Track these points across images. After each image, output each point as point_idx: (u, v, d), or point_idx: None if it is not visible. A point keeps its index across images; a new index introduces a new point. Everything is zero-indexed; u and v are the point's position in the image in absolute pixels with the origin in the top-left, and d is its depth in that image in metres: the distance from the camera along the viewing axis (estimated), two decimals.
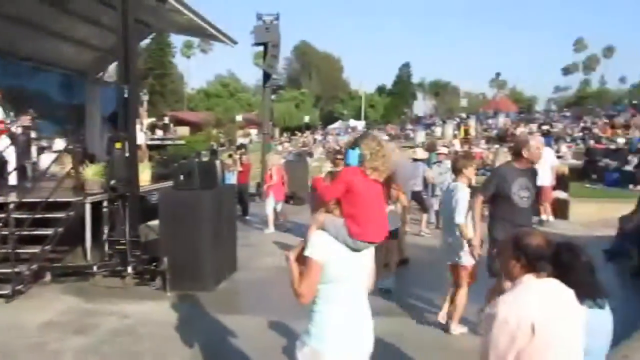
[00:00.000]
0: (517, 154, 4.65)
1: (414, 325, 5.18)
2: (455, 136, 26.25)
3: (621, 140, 18.30)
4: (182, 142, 19.34)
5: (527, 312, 2.09)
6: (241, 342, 4.73)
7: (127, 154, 6.63)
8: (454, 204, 4.74)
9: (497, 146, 22.74)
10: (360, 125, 52.05)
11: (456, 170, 5.01)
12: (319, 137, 41.95)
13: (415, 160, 9.93)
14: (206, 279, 6.15)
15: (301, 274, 2.44)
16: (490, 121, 33.57)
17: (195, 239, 6.06)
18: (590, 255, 2.62)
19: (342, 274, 2.45)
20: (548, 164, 10.44)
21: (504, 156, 11.68)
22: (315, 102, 74.08)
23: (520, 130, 26.49)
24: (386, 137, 34.65)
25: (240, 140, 39.17)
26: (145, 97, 33.82)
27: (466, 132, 26.25)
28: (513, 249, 2.27)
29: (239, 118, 54.06)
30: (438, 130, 33.03)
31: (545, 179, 10.44)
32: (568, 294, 2.25)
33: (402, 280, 6.64)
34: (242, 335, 4.86)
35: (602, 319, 2.61)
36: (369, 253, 2.61)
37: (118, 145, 6.56)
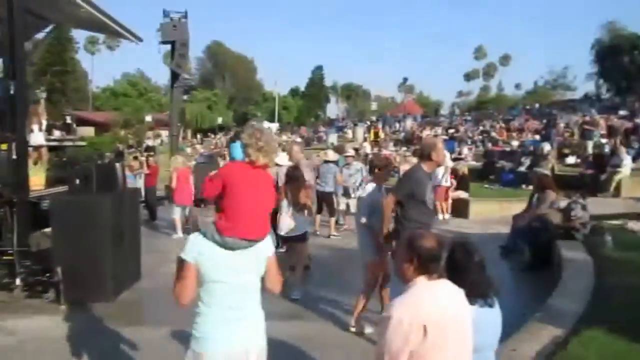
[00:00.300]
0: (426, 156, 4.68)
1: (323, 328, 5.18)
2: (365, 139, 26.93)
3: (515, 143, 19.67)
4: (83, 143, 18.17)
5: (420, 314, 2.14)
6: (143, 355, 4.48)
7: (14, 156, 6.08)
8: (364, 205, 4.84)
9: (404, 149, 23.68)
10: (274, 127, 51.94)
11: (372, 172, 5.15)
12: None
13: (326, 162, 10.05)
14: (105, 289, 5.76)
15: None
16: (398, 124, 34.87)
17: (93, 246, 5.67)
18: (483, 254, 2.73)
19: (218, 274, 2.40)
20: (445, 166, 11.32)
21: (408, 158, 12.22)
22: (228, 104, 72.99)
23: (426, 133, 27.79)
24: (299, 139, 34.91)
25: (150, 142, 37.72)
26: (43, 95, 31.56)
27: (376, 134, 27.03)
28: (406, 250, 2.29)
29: (148, 119, 51.89)
30: (350, 133, 33.82)
31: (442, 179, 11.18)
32: (459, 294, 2.34)
33: (312, 284, 6.63)
34: (144, 347, 4.59)
35: (492, 317, 2.73)
36: (260, 252, 2.53)
37: (3, 146, 6.00)
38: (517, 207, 9.10)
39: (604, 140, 17.37)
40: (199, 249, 2.41)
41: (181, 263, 2.42)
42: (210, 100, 68.04)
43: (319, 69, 77.53)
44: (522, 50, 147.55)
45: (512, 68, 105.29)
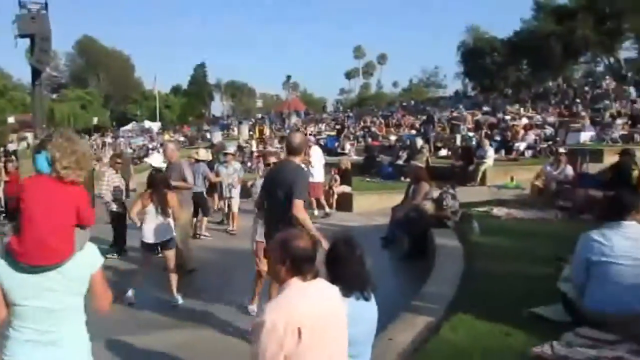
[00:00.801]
0: (300, 152, 4.52)
1: (207, 335, 4.96)
2: (251, 136, 26.75)
3: (393, 138, 20.67)
4: None
5: (294, 317, 2.09)
6: None
7: None
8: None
9: (312, 139, 23.90)
10: (155, 126, 49.73)
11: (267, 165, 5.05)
12: (109, 140, 38.77)
13: (197, 161, 9.64)
14: None
15: None
16: (284, 122, 35.09)
17: None
18: (363, 249, 2.78)
19: (17, 297, 2.15)
20: (321, 162, 11.69)
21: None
22: (105, 103, 68.55)
23: (311, 129, 28.29)
24: (182, 138, 33.76)
25: (13, 146, 34.29)
26: None
27: (261, 132, 26.97)
28: (279, 252, 2.23)
29: (11, 120, 47.06)
30: (235, 131, 33.38)
31: (319, 175, 11.52)
32: (334, 293, 2.33)
33: (191, 289, 6.35)
34: None
35: (367, 310, 2.78)
36: (73, 271, 2.22)
37: None
38: (397, 199, 9.46)
39: (470, 134, 18.89)
40: None
41: None
42: (83, 99, 63.47)
43: (201, 66, 75.57)
44: (398, 49, 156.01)
45: (389, 67, 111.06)
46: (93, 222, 2.38)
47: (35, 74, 12.92)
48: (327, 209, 11.79)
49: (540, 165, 11.75)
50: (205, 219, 9.63)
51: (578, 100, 23.89)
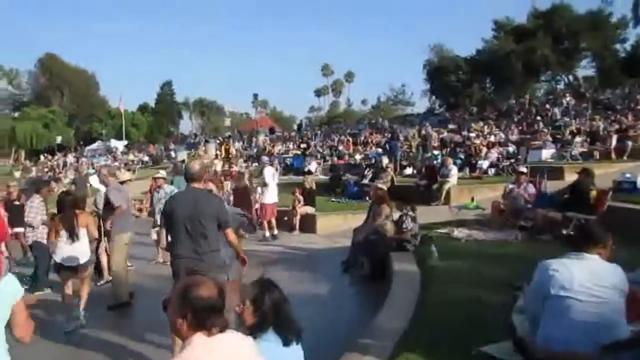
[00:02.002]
0: (200, 179, 4.35)
1: None
2: (217, 155, 26.34)
3: (358, 157, 20.62)
4: None
5: None
6: None
7: None
8: None
9: (255, 164, 23.57)
10: (120, 145, 48.71)
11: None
12: (71, 159, 37.68)
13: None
14: None
15: None
16: (252, 140, 34.77)
17: None
18: (282, 292, 2.56)
19: None
20: (274, 182, 11.91)
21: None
22: (69, 121, 66.89)
23: (278, 148, 28.05)
24: (146, 158, 33.08)
25: None
26: None
27: (227, 151, 26.57)
28: (179, 303, 1.94)
29: None
30: (202, 150, 32.90)
31: (272, 196, 11.38)
32: (244, 348, 2.07)
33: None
34: None
35: (295, 354, 2.58)
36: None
37: None
38: (361, 218, 9.26)
39: (436, 152, 18.98)
40: None
41: None
42: (46, 118, 61.83)
43: (167, 84, 74.63)
44: (366, 67, 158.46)
45: (356, 85, 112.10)
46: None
47: None
48: (275, 231, 11.67)
49: (502, 184, 11.77)
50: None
51: (539, 118, 24.36)
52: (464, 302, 4.61)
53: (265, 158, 14.39)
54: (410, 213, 7.77)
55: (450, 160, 14.96)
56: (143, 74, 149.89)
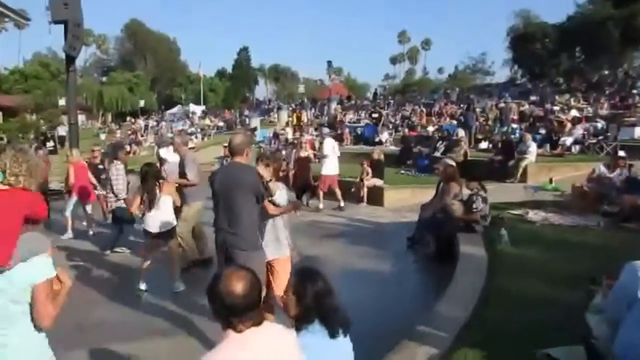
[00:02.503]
0: (244, 153, 4.18)
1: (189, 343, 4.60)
2: (288, 123, 26.48)
3: (431, 128, 19.92)
4: None
5: None
6: None
7: None
8: None
9: (326, 130, 23.41)
10: (198, 110, 50.25)
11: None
12: (153, 123, 39.39)
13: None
14: None
15: None
16: (321, 108, 34.64)
17: None
18: (326, 282, 2.42)
19: None
20: (334, 154, 11.62)
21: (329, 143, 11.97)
22: (151, 86, 69.83)
23: (349, 117, 27.72)
24: (221, 123, 33.90)
25: (62, 130, 35.22)
26: None
27: (298, 119, 26.60)
28: (209, 298, 1.87)
29: (62, 102, 48.51)
30: (274, 116, 33.25)
31: (332, 168, 11.41)
32: (283, 342, 1.97)
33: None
34: None
35: (341, 347, 2.45)
36: (16, 279, 2.28)
37: None
38: (431, 193, 8.90)
39: (514, 126, 17.95)
40: None
41: None
42: (131, 82, 64.81)
43: (244, 50, 75.61)
44: (444, 35, 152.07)
45: (433, 53, 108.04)
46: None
47: (69, 60, 13.01)
48: (342, 203, 11.59)
49: (586, 164, 10.92)
50: None
51: (635, 91, 22.32)
52: (532, 296, 4.29)
53: (325, 129, 14.17)
54: (481, 193, 7.35)
55: (529, 136, 14.06)
56: (221, 40, 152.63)
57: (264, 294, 3.24)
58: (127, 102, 61.42)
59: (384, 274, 6.64)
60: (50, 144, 19.55)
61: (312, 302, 2.34)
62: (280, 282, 4.09)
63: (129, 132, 33.16)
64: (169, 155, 7.86)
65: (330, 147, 11.73)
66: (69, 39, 12.11)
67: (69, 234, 9.10)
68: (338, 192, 11.57)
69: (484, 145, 17.00)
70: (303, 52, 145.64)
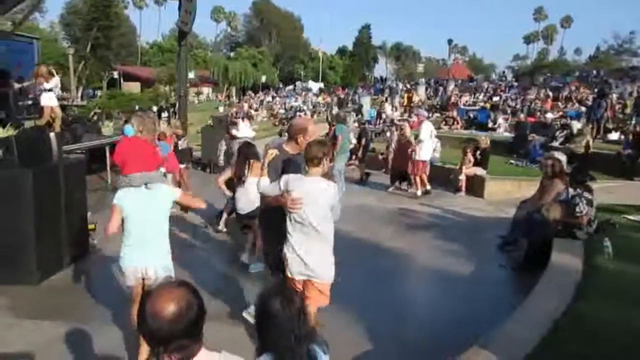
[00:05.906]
0: (293, 139, 4.07)
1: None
2: (400, 103, 25.63)
3: (550, 115, 17.93)
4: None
5: None
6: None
7: None
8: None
9: (437, 115, 22.29)
10: (316, 87, 50.83)
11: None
12: (268, 98, 40.52)
13: (233, 137, 8.70)
14: (27, 271, 5.27)
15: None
16: (440, 88, 33.07)
17: (11, 225, 5.18)
18: (300, 303, 1.97)
19: (127, 211, 3.52)
20: (431, 139, 11.13)
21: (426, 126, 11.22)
22: (274, 62, 72.04)
23: (465, 99, 26.12)
24: (332, 100, 33.81)
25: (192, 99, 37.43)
26: (71, 51, 31.66)
27: (409, 99, 25.59)
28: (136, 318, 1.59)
29: (191, 75, 51.86)
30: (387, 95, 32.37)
31: (424, 154, 10.82)
32: None
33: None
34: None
35: None
36: (160, 197, 3.57)
37: None
38: (536, 189, 7.88)
39: None
40: (119, 195, 3.56)
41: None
42: (255, 58, 67.38)
43: (366, 27, 74.77)
44: (586, 12, 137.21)
45: (572, 31, 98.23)
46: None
47: (181, 35, 13.52)
48: (428, 186, 11.00)
49: None
50: None
51: None
52: (623, 331, 3.45)
53: (423, 112, 13.19)
54: (586, 194, 6.25)
55: None
56: (344, 18, 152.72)
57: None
58: (250, 77, 63.96)
59: (461, 275, 5.97)
60: (164, 114, 20.73)
61: (268, 338, 1.91)
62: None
63: (242, 106, 34.34)
64: (241, 132, 7.76)
65: (428, 131, 11.00)
66: (182, 15, 12.54)
67: None
68: (424, 177, 11.00)
69: (614, 136, 14.94)
70: (427, 31, 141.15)
